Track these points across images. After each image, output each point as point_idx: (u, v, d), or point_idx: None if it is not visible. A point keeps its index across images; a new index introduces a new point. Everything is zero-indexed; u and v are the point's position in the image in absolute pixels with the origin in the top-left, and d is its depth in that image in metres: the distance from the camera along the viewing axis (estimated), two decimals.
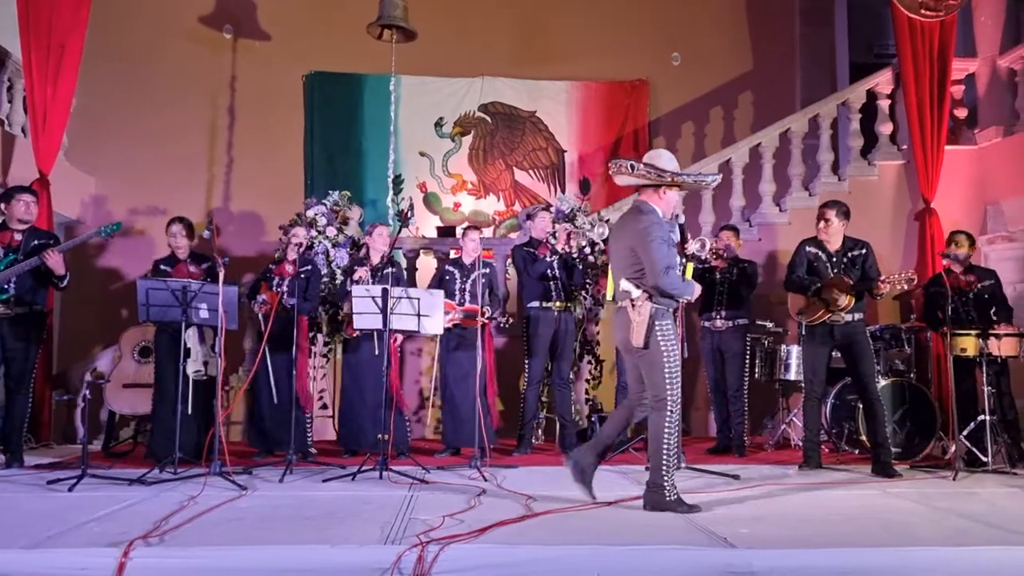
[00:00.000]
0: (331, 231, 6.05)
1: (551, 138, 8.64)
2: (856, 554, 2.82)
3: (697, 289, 3.72)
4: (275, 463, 4.76)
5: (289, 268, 5.14)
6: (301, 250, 5.12)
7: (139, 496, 3.83)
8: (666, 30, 8.62)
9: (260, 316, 4.94)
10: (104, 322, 7.04)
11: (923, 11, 6.90)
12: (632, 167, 3.61)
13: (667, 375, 3.54)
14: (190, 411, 4.51)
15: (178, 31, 8.08)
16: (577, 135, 8.64)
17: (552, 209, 6.35)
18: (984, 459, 4.87)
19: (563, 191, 8.36)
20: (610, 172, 3.77)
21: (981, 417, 4.93)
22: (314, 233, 6.02)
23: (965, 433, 5.00)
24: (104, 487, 4.07)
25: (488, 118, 8.56)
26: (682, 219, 3.79)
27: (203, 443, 4.58)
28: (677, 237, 3.73)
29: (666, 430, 3.55)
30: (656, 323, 3.53)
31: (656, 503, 3.54)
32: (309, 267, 5.25)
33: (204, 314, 4.43)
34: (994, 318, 5.21)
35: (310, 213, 6.11)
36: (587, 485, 3.69)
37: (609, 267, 4.51)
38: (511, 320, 5.47)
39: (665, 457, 3.54)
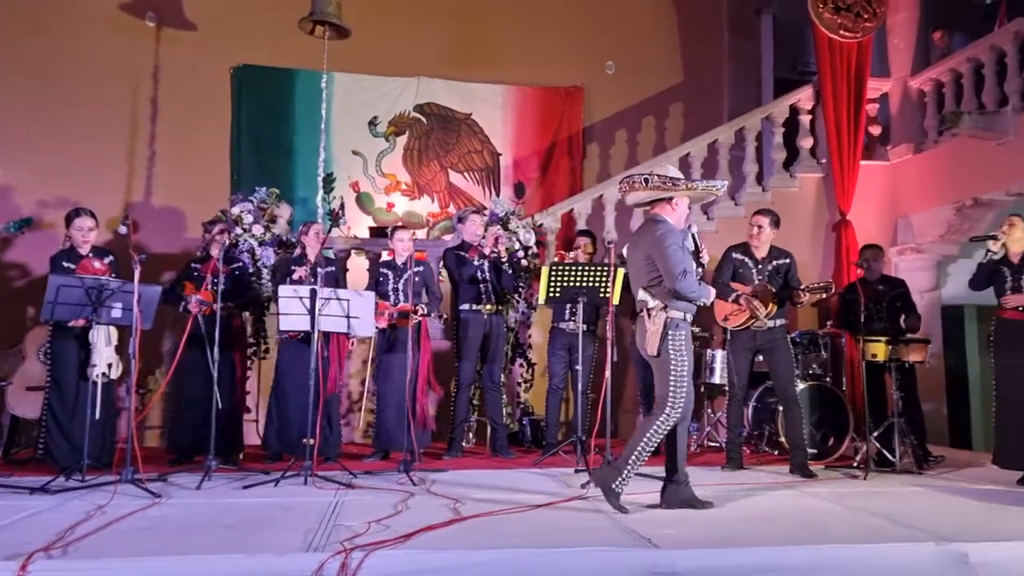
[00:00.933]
0: (257, 229, 5.88)
1: (486, 141, 8.64)
2: (775, 552, 2.91)
3: (712, 293, 3.78)
4: (194, 469, 4.58)
5: (221, 266, 4.97)
6: (225, 248, 4.94)
7: (42, 505, 3.62)
8: (601, 39, 8.74)
9: (200, 317, 4.74)
10: (7, 321, 6.64)
11: (842, 32, 7.22)
12: (646, 180, 3.69)
13: (673, 383, 3.63)
14: (98, 415, 4.29)
15: (97, 17, 7.70)
16: (512, 139, 8.66)
17: (486, 212, 6.35)
18: (892, 459, 5.11)
19: (498, 194, 8.36)
20: (620, 191, 3.82)
21: (890, 419, 5.17)
22: (239, 231, 5.83)
23: (875, 435, 5.23)
24: (3, 496, 3.83)
25: (423, 119, 8.50)
26: (695, 229, 3.89)
27: (108, 448, 4.38)
28: (691, 246, 3.80)
29: (653, 431, 3.64)
30: (670, 332, 3.62)
31: (604, 480, 3.62)
32: (240, 264, 5.10)
33: (117, 313, 4.22)
34: (903, 325, 5.49)
35: (235, 210, 5.92)
36: (689, 505, 3.72)
37: (538, 273, 4.50)
38: (445, 317, 5.45)
39: (638, 453, 3.63)
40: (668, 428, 3.67)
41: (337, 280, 5.26)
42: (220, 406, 4.51)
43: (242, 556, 2.72)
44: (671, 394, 3.64)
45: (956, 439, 7.42)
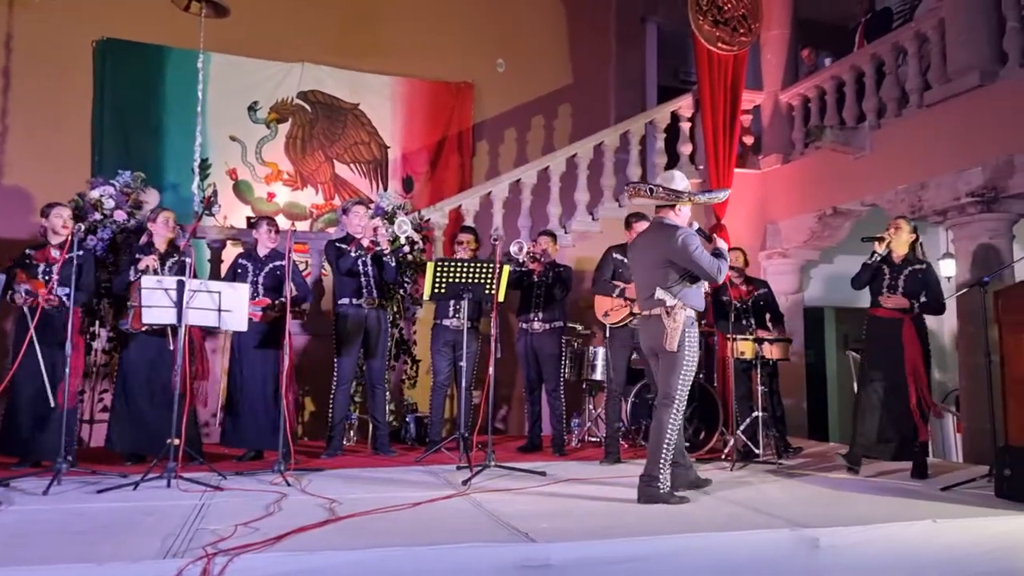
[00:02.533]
0: (120, 215, 5.47)
1: (374, 133, 8.47)
2: (643, 542, 3.01)
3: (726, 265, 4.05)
4: (41, 473, 4.21)
5: (56, 254, 4.57)
6: (77, 234, 4.53)
7: None
8: (492, 36, 8.78)
9: (25, 309, 4.34)
10: None
11: (719, 44, 7.59)
12: (651, 191, 3.95)
13: (682, 377, 3.86)
14: None
15: None
16: (401, 132, 8.54)
17: (372, 204, 6.21)
18: (756, 451, 5.41)
19: (386, 188, 8.22)
20: (628, 196, 4.07)
21: (755, 413, 5.47)
22: (99, 216, 5.41)
23: (742, 428, 5.52)
24: None
25: (307, 106, 8.22)
26: (696, 225, 4.13)
27: None
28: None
29: (669, 426, 3.84)
30: (687, 330, 3.85)
31: (650, 496, 3.77)
32: (82, 253, 4.71)
33: None
34: (768, 325, 5.82)
35: (94, 194, 5.47)
36: (694, 485, 4.07)
37: (423, 268, 4.41)
38: (306, 311, 5.27)
39: (664, 451, 3.81)
40: (680, 420, 3.91)
41: (188, 271, 4.95)
42: (53, 403, 4.17)
43: (91, 565, 2.53)
44: (679, 388, 3.86)
45: (814, 431, 7.98)
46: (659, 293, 3.91)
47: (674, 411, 3.85)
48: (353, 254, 5.34)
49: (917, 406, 4.62)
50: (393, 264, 5.47)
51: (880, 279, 4.90)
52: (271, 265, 5.08)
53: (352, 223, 5.51)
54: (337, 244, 5.44)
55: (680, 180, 4.03)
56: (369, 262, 5.38)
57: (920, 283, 4.80)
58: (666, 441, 3.82)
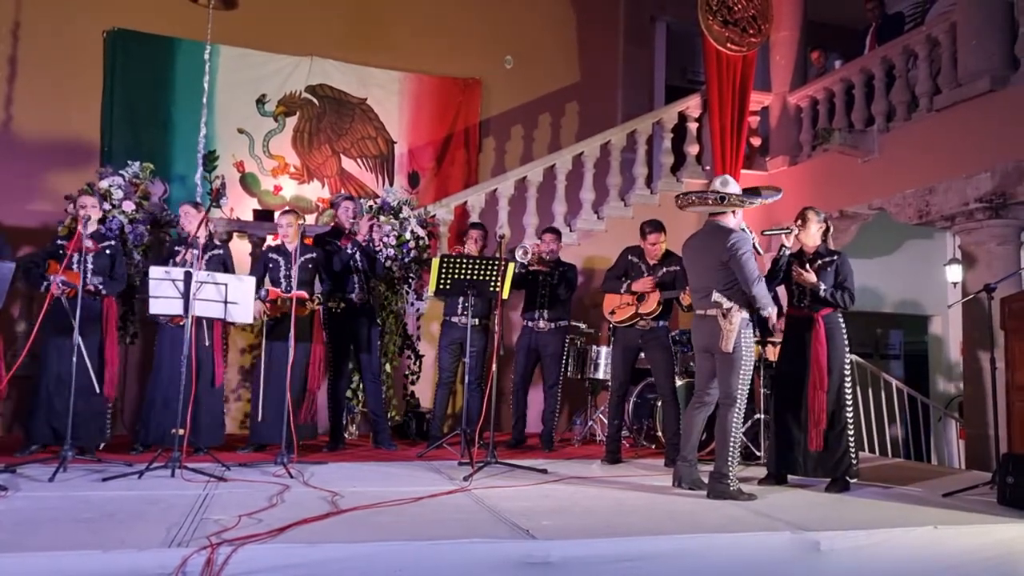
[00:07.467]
0: (128, 205, 5.49)
1: (381, 128, 8.48)
2: (644, 542, 3.02)
3: (774, 310, 4.08)
4: (49, 459, 4.23)
5: (89, 244, 4.61)
6: (86, 224, 4.56)
7: None
8: (500, 33, 8.77)
9: (64, 300, 4.37)
10: None
11: (729, 45, 7.57)
12: (720, 198, 4.03)
13: (741, 377, 3.99)
14: None
15: None
16: (408, 127, 8.54)
17: (368, 200, 6.24)
18: (757, 453, 5.42)
19: (392, 183, 8.23)
20: (679, 206, 4.17)
21: (757, 415, 5.47)
22: (108, 207, 5.43)
23: (743, 430, 5.52)
24: None
25: (315, 100, 8.22)
26: (744, 225, 4.22)
27: None
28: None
29: (734, 425, 3.97)
30: (742, 332, 3.97)
31: (720, 492, 3.89)
32: (112, 243, 4.75)
33: None
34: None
35: (103, 183, 5.50)
36: (696, 485, 4.07)
37: (429, 264, 4.42)
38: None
39: (731, 449, 3.94)
40: (742, 418, 4.04)
41: (225, 265, 5.01)
42: (98, 391, 4.21)
43: (96, 552, 2.55)
44: (740, 387, 3.98)
45: None
46: (715, 296, 4.00)
47: (736, 410, 3.99)
48: (349, 250, 5.36)
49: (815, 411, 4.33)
50: (382, 259, 5.50)
51: (790, 273, 4.54)
52: (303, 258, 5.11)
53: (341, 218, 5.55)
54: (327, 238, 5.46)
55: (733, 185, 4.13)
56: (359, 257, 5.39)
57: (828, 276, 4.45)
58: (732, 439, 3.95)
